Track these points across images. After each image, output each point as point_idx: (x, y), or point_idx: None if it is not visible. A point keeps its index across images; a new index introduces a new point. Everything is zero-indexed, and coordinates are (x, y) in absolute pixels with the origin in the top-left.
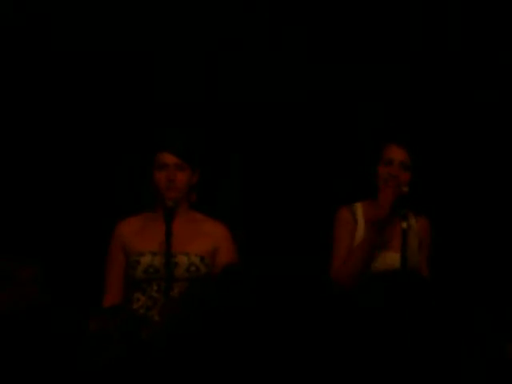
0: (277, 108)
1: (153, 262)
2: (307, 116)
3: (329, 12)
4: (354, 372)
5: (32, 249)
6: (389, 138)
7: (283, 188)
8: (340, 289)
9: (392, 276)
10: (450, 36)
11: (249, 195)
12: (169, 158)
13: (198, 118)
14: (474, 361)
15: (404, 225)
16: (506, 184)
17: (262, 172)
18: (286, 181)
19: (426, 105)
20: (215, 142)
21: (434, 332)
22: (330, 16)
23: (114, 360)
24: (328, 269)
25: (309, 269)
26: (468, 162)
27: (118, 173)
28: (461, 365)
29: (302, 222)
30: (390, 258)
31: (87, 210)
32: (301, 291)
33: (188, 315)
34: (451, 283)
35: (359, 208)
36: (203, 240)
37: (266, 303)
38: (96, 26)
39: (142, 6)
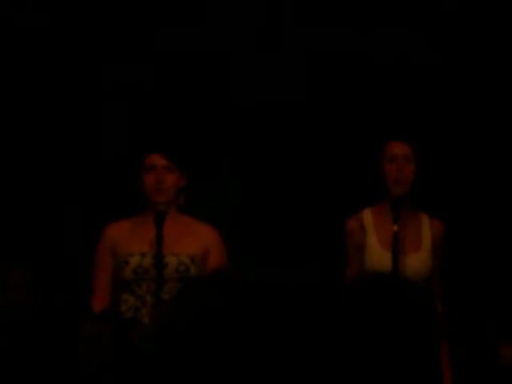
0: (270, 111)
1: (142, 263)
2: (302, 118)
3: (328, 11)
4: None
5: (23, 253)
6: (388, 136)
7: (276, 192)
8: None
9: (377, 280)
10: (447, 32)
11: (240, 199)
12: (157, 160)
13: (191, 121)
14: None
15: (395, 227)
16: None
17: (253, 176)
18: (278, 185)
19: (428, 102)
20: (207, 146)
21: (407, 339)
22: (328, 16)
23: (105, 363)
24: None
25: (299, 274)
26: (474, 161)
27: (109, 175)
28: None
29: (295, 225)
30: (403, 259)
31: (79, 214)
32: (291, 297)
33: (177, 318)
34: (454, 286)
35: (367, 214)
36: (193, 241)
37: (255, 307)
38: (95, 25)
39: (141, 6)
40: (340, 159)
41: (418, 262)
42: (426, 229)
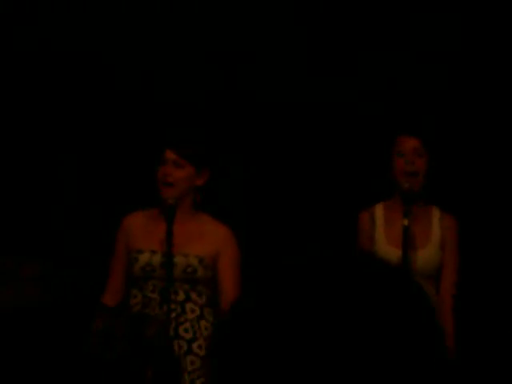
0: (279, 107)
1: (150, 261)
2: (310, 115)
3: (330, 13)
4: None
5: (34, 247)
6: (400, 131)
7: (285, 188)
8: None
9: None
10: (453, 33)
11: (250, 195)
12: (168, 155)
13: (200, 118)
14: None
15: (405, 222)
16: None
17: (263, 172)
18: (287, 181)
19: (442, 95)
20: (216, 142)
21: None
22: (331, 16)
23: (117, 357)
24: None
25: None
26: (483, 158)
27: (120, 171)
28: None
29: (303, 221)
30: (410, 255)
31: (89, 209)
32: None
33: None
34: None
35: (379, 209)
36: (204, 241)
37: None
38: (97, 26)
39: (145, 7)
40: (354, 155)
41: (425, 257)
42: (436, 224)
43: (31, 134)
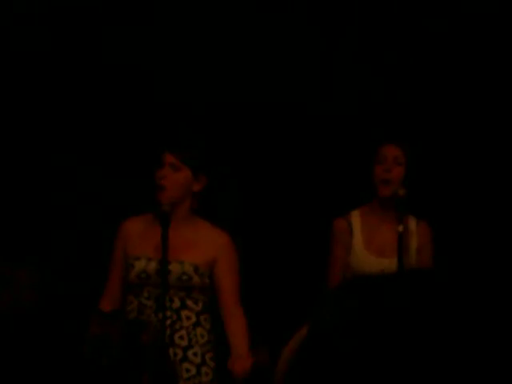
0: (275, 113)
1: (146, 268)
2: (310, 117)
3: (329, 13)
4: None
5: (31, 251)
6: (382, 139)
7: (281, 196)
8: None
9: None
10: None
11: (246, 204)
12: (167, 157)
13: (199, 121)
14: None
15: (400, 228)
16: (505, 185)
17: (258, 181)
18: (283, 188)
19: (421, 107)
20: (215, 148)
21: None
22: (330, 15)
23: (113, 363)
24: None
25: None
26: (466, 163)
27: (120, 172)
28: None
29: (300, 229)
30: (388, 264)
31: (88, 212)
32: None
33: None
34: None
35: (356, 215)
36: (200, 248)
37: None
38: (97, 26)
39: (144, 6)
40: (333, 162)
41: (406, 264)
42: (413, 231)
43: (31, 134)
